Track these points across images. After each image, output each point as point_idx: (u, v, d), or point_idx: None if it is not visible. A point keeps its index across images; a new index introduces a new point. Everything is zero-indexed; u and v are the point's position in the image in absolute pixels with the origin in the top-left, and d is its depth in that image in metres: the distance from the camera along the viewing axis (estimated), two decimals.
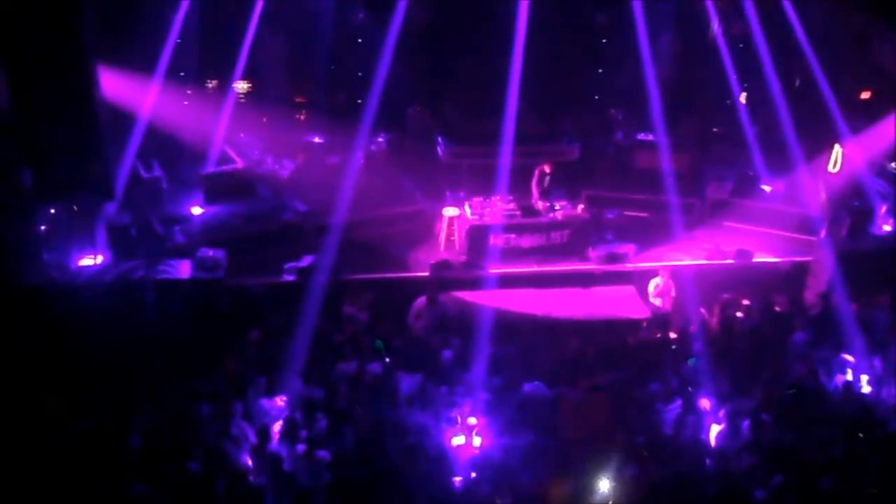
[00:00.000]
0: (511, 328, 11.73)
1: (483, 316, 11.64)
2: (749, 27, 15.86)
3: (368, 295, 12.18)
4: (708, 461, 9.40)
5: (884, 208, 14.44)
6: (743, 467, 9.12)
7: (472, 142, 15.03)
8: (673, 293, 12.85)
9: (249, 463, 9.10)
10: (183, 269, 11.84)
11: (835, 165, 15.51)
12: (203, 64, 15.90)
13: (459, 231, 13.96)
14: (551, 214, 14.04)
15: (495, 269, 13.12)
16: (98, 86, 11.19)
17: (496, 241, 13.61)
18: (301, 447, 9.13)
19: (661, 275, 12.92)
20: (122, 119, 13.38)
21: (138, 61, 14.06)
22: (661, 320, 12.24)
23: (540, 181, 14.26)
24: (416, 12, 15.62)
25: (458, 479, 9.02)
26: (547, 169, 14.23)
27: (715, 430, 9.86)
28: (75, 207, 12.12)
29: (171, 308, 11.47)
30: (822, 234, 13.82)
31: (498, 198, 14.10)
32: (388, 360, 10.82)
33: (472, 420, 9.60)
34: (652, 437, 9.66)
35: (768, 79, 15.65)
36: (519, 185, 14.40)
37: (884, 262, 13.05)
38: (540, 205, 14.11)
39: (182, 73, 15.38)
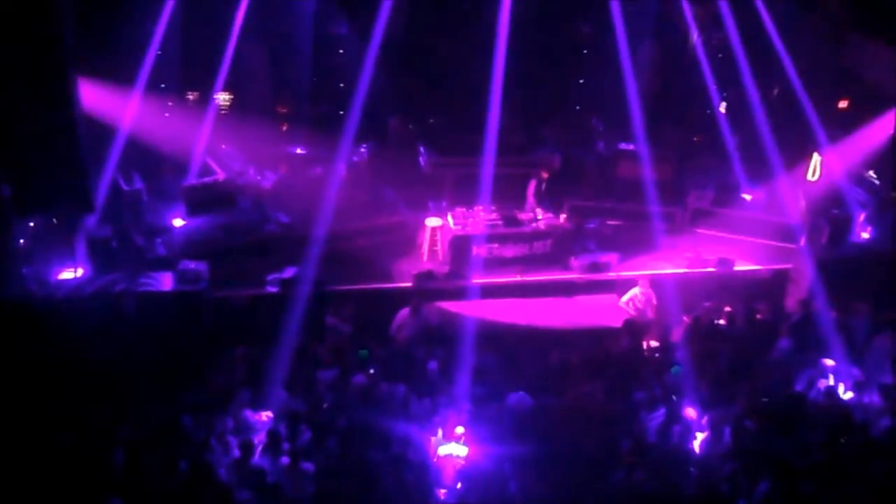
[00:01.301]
0: (495, 338, 11.74)
1: (466, 326, 11.65)
2: (728, 37, 16.02)
3: (351, 306, 12.16)
4: (692, 469, 9.42)
5: (862, 216, 14.59)
6: (726, 474, 9.14)
7: (455, 152, 15.04)
8: (654, 301, 12.91)
9: (233, 476, 9.02)
10: (165, 282, 11.75)
11: (814, 174, 15.68)
12: (184, 76, 15.84)
13: (442, 241, 13.97)
14: (534, 224, 14.08)
15: (478, 279, 13.14)
16: (78, 97, 11.11)
17: (479, 250, 13.63)
18: (285, 459, 9.08)
19: (641, 284, 12.97)
20: (102, 131, 13.31)
21: (119, 73, 14.00)
22: (638, 328, 12.26)
23: (537, 189, 14.35)
24: (396, 24, 15.67)
25: (443, 490, 9.00)
26: (544, 175, 14.32)
27: (699, 437, 9.90)
28: (55, 220, 12.03)
29: (152, 321, 11.37)
30: (802, 241, 13.94)
31: (480, 208, 14.13)
32: (371, 371, 10.78)
33: (459, 429, 9.57)
34: (636, 444, 9.67)
35: (747, 88, 15.80)
36: (501, 195, 14.43)
37: (862, 269, 13.19)
38: (523, 214, 14.17)
39: (163, 85, 15.31)
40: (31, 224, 12.08)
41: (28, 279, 11.52)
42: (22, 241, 11.88)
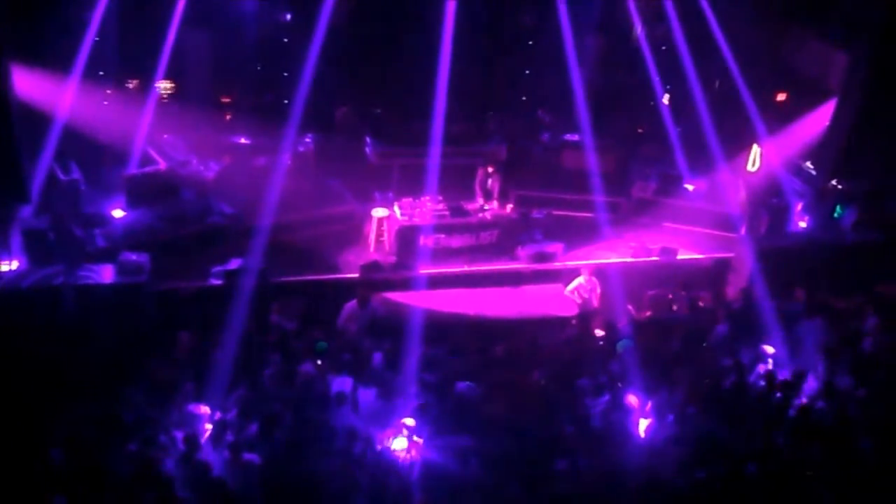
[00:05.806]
0: (442, 328, 11.75)
1: (413, 317, 11.63)
2: (671, 30, 16.26)
3: (298, 303, 12.02)
4: (635, 454, 9.57)
5: (799, 206, 14.98)
6: (669, 460, 9.31)
7: (401, 142, 14.98)
8: (598, 290, 13.07)
9: (177, 471, 8.87)
10: (105, 274, 11.47)
11: (753, 165, 16.06)
12: (123, 62, 15.47)
13: (389, 232, 13.93)
14: (480, 214, 14.13)
15: (425, 270, 13.14)
16: (11, 85, 10.78)
17: (426, 241, 13.63)
18: (230, 452, 8.96)
19: (584, 273, 13.13)
20: (37, 120, 12.94)
21: (54, 59, 13.61)
22: (588, 317, 12.43)
23: (483, 182, 14.38)
24: (342, 12, 15.53)
25: (393, 481, 8.98)
26: (490, 170, 14.36)
27: (643, 424, 10.06)
28: None
29: (93, 314, 11.11)
30: (742, 231, 14.25)
31: (427, 198, 14.12)
32: (319, 363, 10.69)
33: (408, 421, 9.56)
34: (581, 431, 9.79)
35: (690, 81, 16.07)
36: (448, 185, 14.44)
37: (800, 257, 13.55)
38: (470, 205, 14.19)
39: (101, 73, 14.94)
40: None
41: None
42: None
